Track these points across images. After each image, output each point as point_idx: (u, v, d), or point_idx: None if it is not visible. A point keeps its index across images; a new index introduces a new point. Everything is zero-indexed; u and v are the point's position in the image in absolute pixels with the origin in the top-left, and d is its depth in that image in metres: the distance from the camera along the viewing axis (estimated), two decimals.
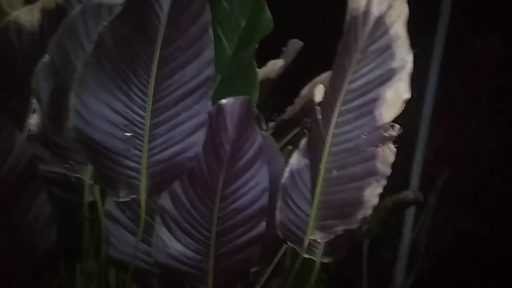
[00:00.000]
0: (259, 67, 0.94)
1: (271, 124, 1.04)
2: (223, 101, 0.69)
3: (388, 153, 0.68)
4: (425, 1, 1.47)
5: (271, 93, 1.08)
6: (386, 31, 0.62)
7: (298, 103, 1.02)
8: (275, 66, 0.97)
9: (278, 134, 1.02)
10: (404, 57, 0.62)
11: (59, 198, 0.79)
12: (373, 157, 0.68)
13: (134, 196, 0.72)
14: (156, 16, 0.65)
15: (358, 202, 0.71)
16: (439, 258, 1.69)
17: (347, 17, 0.65)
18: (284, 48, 1.01)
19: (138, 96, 0.68)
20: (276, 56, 1.00)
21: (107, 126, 0.68)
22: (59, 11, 0.73)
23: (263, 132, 0.84)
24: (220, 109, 0.69)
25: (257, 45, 0.81)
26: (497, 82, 1.67)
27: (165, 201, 0.73)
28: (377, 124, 0.67)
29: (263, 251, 0.80)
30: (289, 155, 0.80)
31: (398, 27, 0.62)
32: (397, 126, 0.67)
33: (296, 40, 1.01)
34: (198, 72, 0.69)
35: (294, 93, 1.02)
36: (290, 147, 0.97)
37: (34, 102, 0.72)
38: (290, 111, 1.03)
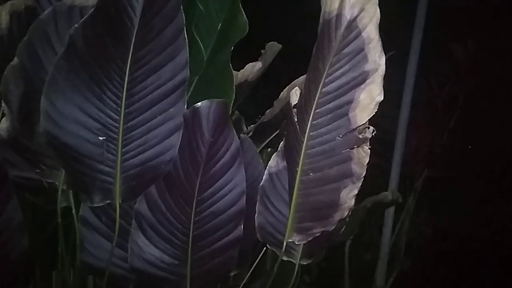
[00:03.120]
0: (238, 70, 0.94)
1: (251, 126, 1.04)
2: (199, 104, 0.68)
3: (363, 155, 0.68)
4: (402, 3, 1.49)
5: (254, 96, 1.08)
6: (358, 34, 0.62)
7: (277, 105, 1.02)
8: (253, 68, 0.97)
9: (258, 136, 1.02)
10: (376, 60, 0.63)
11: (32, 204, 0.77)
12: (348, 159, 0.69)
13: (109, 201, 0.71)
14: (129, 18, 0.64)
15: (335, 204, 0.71)
16: (419, 257, 1.71)
17: (321, 20, 0.65)
18: (262, 51, 1.01)
19: (111, 99, 0.67)
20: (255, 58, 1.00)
21: (80, 130, 0.67)
22: (29, 12, 0.72)
23: (241, 135, 0.84)
24: (195, 112, 0.68)
25: (233, 48, 0.80)
26: (473, 84, 1.71)
27: (140, 205, 0.72)
28: (352, 126, 0.67)
29: (242, 255, 0.79)
30: (268, 157, 0.80)
31: (371, 30, 0.62)
32: (371, 128, 0.67)
33: (274, 42, 1.01)
34: (172, 74, 0.68)
35: (277, 96, 1.02)
36: (269, 149, 0.98)
37: (4, 106, 0.70)
38: (269, 113, 1.03)
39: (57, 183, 0.75)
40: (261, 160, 0.85)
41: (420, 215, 1.71)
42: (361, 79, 0.65)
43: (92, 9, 0.63)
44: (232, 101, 0.82)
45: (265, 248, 0.82)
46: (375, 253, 1.62)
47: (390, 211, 1.58)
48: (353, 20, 0.62)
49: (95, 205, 0.71)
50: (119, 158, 0.69)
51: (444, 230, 1.77)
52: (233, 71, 0.84)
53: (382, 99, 0.65)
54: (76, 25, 0.63)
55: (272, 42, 1.01)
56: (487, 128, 1.78)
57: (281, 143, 0.78)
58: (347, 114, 0.67)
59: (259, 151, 0.94)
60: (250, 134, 1.00)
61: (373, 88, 0.65)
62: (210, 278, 0.77)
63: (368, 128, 0.67)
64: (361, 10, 0.62)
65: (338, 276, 1.52)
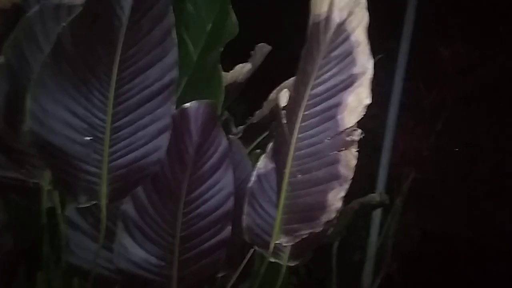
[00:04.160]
0: (227, 71, 0.94)
1: (240, 127, 1.04)
2: (187, 104, 0.68)
3: (350, 157, 0.69)
4: (391, 7, 1.51)
5: (244, 97, 1.08)
6: (347, 38, 0.63)
7: (266, 107, 1.02)
8: (242, 69, 0.97)
9: (247, 137, 1.01)
10: (364, 63, 0.64)
11: (16, 204, 0.76)
12: (336, 161, 0.69)
13: (95, 202, 0.70)
14: (117, 17, 0.63)
15: (322, 206, 0.72)
16: (406, 259, 1.73)
17: (310, 23, 0.65)
18: (251, 52, 1.01)
19: (98, 99, 0.66)
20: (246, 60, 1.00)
21: (66, 130, 0.66)
22: (16, 10, 0.70)
23: (230, 136, 0.84)
24: (183, 113, 0.68)
25: (223, 49, 0.80)
26: (461, 87, 1.73)
27: (127, 206, 0.71)
28: (340, 129, 0.67)
29: (230, 256, 0.79)
30: (257, 159, 0.80)
31: (359, 34, 0.63)
32: (359, 130, 0.68)
33: (264, 44, 1.01)
34: (161, 75, 0.68)
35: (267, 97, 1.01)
36: (258, 150, 0.98)
37: None
38: (258, 115, 1.03)
39: (42, 184, 0.73)
40: (250, 162, 0.85)
41: (407, 217, 1.73)
42: (349, 82, 0.65)
43: (80, 8, 0.63)
44: (222, 102, 0.82)
45: (252, 249, 0.82)
46: (363, 254, 1.63)
47: (378, 213, 1.59)
48: (342, 23, 0.62)
49: (81, 206, 0.70)
50: (105, 158, 0.68)
51: (431, 231, 1.79)
52: (223, 72, 0.84)
53: (370, 102, 0.66)
54: (64, 23, 0.63)
55: (262, 43, 1.01)
56: (474, 130, 1.80)
57: (270, 144, 0.78)
58: (335, 117, 0.67)
59: (249, 152, 0.94)
60: (240, 135, 1.00)
61: (361, 91, 0.65)
62: (197, 280, 0.77)
63: (356, 130, 0.68)
64: (350, 13, 0.62)
65: (326, 277, 1.52)
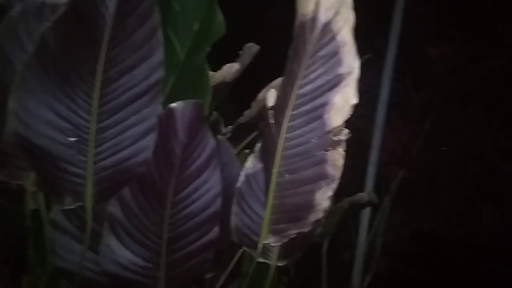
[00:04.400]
0: (215, 71, 0.93)
1: (229, 127, 1.04)
2: (173, 104, 0.67)
3: (337, 157, 0.69)
4: (379, 6, 1.52)
5: (234, 96, 1.08)
6: (333, 37, 0.63)
7: (255, 107, 1.02)
8: (231, 69, 0.96)
9: (236, 137, 1.01)
10: (351, 63, 0.64)
11: (0, 206, 0.75)
12: (323, 161, 0.69)
13: (80, 204, 0.69)
14: (102, 17, 0.63)
15: (310, 206, 0.72)
16: (395, 257, 1.74)
17: (296, 23, 0.65)
18: (240, 52, 1.01)
19: (83, 99, 0.65)
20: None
21: (50, 131, 0.65)
22: None
23: (218, 136, 0.84)
24: (170, 113, 0.67)
25: (210, 49, 0.80)
26: (449, 87, 1.75)
27: (113, 208, 0.71)
28: (327, 129, 0.68)
29: (218, 257, 0.79)
30: (246, 159, 0.80)
31: (345, 34, 0.63)
32: (346, 130, 0.68)
33: (252, 43, 1.01)
34: (147, 75, 0.67)
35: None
36: (247, 151, 0.97)
37: None
38: (247, 114, 1.03)
39: (26, 185, 0.72)
40: (239, 162, 0.84)
41: (396, 215, 1.74)
42: (336, 82, 0.65)
43: (64, 7, 0.62)
44: (209, 103, 0.81)
45: (241, 249, 0.82)
46: (352, 253, 1.64)
47: (367, 212, 1.60)
48: (328, 23, 0.62)
49: (66, 207, 0.69)
50: (91, 159, 0.67)
51: (419, 230, 1.81)
52: (210, 72, 0.84)
53: (356, 102, 0.66)
54: (47, 23, 0.62)
55: (250, 43, 1.01)
56: (462, 130, 1.82)
57: (258, 144, 0.78)
58: (322, 117, 0.67)
59: (238, 153, 0.94)
60: (228, 135, 0.99)
61: (347, 91, 0.65)
62: (185, 281, 0.77)
63: (343, 130, 0.68)
64: (336, 13, 0.62)
65: (316, 276, 1.53)
